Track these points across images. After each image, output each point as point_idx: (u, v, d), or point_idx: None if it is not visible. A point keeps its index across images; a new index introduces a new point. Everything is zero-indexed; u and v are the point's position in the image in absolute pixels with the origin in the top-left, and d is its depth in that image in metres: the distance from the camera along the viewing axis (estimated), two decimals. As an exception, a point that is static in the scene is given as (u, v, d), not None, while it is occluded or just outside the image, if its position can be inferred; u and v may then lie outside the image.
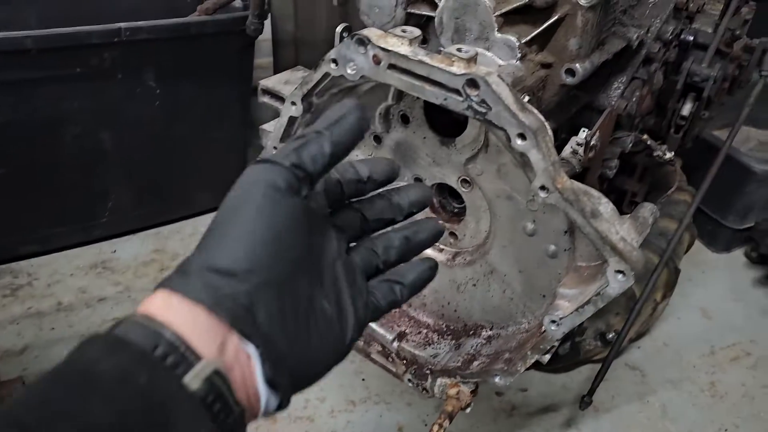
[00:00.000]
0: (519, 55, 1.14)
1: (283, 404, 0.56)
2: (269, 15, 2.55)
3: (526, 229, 1.12)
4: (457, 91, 0.93)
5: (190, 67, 1.99)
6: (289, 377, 0.55)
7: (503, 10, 1.13)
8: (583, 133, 1.32)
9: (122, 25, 1.77)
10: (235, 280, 0.52)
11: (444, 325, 1.36)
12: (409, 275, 0.69)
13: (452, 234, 1.28)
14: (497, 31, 1.14)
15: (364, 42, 0.99)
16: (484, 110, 0.92)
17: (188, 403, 0.47)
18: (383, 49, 0.97)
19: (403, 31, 0.99)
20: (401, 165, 1.29)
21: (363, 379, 1.84)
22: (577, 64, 1.16)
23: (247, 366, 0.52)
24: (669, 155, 1.43)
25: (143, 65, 1.90)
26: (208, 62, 2.01)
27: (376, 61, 0.99)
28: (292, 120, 1.18)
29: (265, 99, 1.24)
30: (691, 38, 1.45)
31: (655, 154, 1.44)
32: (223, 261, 0.53)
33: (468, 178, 1.17)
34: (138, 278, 2.13)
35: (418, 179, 1.26)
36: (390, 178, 0.71)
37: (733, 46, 1.55)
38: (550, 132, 1.00)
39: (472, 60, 0.92)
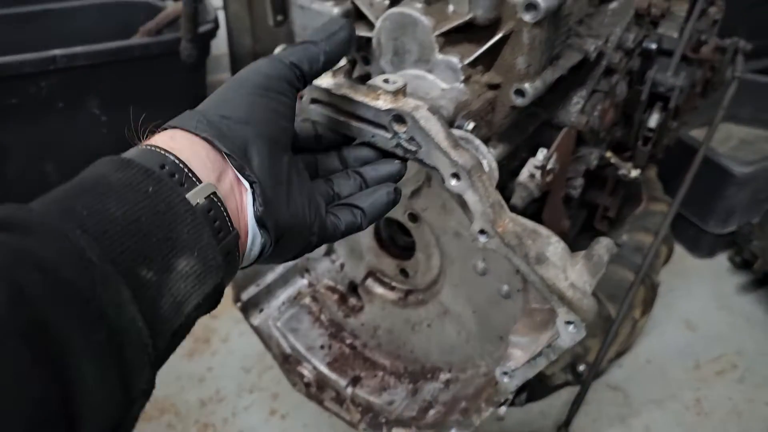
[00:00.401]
0: (463, 77, 1.05)
1: (265, 250, 0.60)
2: (227, 29, 2.47)
3: (477, 267, 1.02)
4: (384, 128, 0.83)
5: (137, 91, 1.89)
6: (273, 221, 0.59)
7: (443, 29, 1.04)
8: (540, 154, 1.23)
9: (57, 52, 1.67)
10: (234, 123, 0.58)
11: (402, 367, 1.27)
12: (367, 199, 0.72)
13: (403, 271, 1.19)
14: (438, 52, 1.05)
15: None
16: (414, 148, 0.82)
17: (191, 214, 0.50)
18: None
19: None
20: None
21: None
22: (527, 84, 1.06)
23: (240, 199, 0.57)
24: (635, 174, 1.34)
25: (85, 92, 1.80)
26: (156, 85, 1.91)
27: (298, 95, 0.89)
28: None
29: None
30: (654, 46, 1.36)
31: (620, 172, 1.35)
32: (223, 110, 0.58)
33: (414, 213, 1.08)
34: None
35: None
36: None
37: (701, 50, 1.46)
38: (494, 166, 0.91)
39: (400, 92, 0.82)
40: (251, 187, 0.58)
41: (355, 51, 1.23)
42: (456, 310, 1.12)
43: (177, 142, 0.55)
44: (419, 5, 1.05)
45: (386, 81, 0.84)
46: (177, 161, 0.53)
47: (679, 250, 2.44)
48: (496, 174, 0.90)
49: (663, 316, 2.14)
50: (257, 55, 2.60)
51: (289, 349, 1.32)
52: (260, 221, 0.58)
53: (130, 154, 0.54)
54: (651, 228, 1.79)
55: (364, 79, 1.28)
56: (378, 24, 1.09)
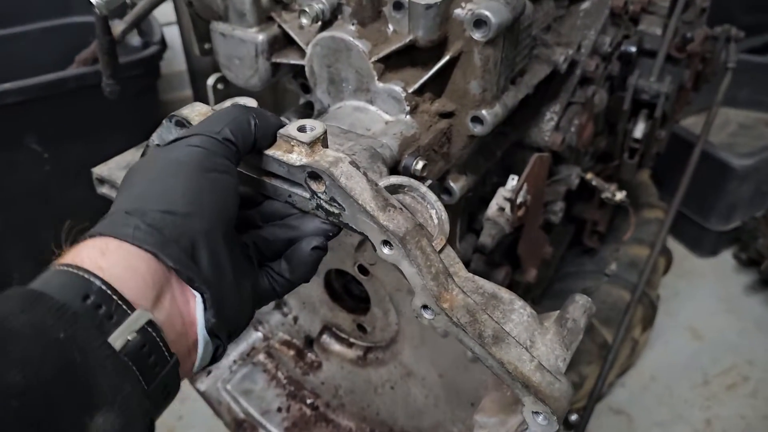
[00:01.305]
0: (408, 107, 0.90)
1: (218, 355, 0.56)
2: (183, 44, 2.31)
3: (438, 328, 0.88)
4: (301, 186, 0.69)
5: (80, 122, 1.74)
6: (226, 329, 0.55)
7: (381, 54, 0.89)
8: (511, 182, 1.09)
9: (-18, 89, 1.53)
10: (179, 218, 0.51)
11: (368, 430, 1.13)
12: (291, 264, 0.66)
13: (360, 326, 1.04)
14: (378, 80, 0.90)
15: (183, 125, 0.74)
16: (336, 210, 0.68)
17: (112, 361, 0.44)
18: (206, 136, 0.73)
19: (234, 105, 0.75)
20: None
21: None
22: (484, 111, 0.91)
23: (187, 310, 0.52)
24: (620, 196, 1.19)
25: (22, 129, 1.66)
26: (100, 114, 1.76)
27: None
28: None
29: (104, 190, 0.99)
30: (634, 49, 1.21)
31: (603, 196, 1.20)
32: (164, 203, 0.51)
33: (364, 265, 0.93)
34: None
35: (310, 265, 1.01)
36: None
37: (687, 47, 1.30)
38: (444, 218, 0.77)
39: (317, 142, 0.68)
40: (201, 296, 0.52)
41: (292, 78, 1.09)
42: (420, 372, 0.97)
43: (109, 259, 0.48)
44: (352, 28, 0.90)
45: (301, 129, 0.69)
46: (104, 288, 0.46)
47: (680, 250, 2.29)
48: (446, 227, 0.75)
49: (667, 325, 2.00)
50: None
51: (242, 414, 1.18)
52: (212, 331, 0.53)
53: (44, 280, 0.46)
54: (645, 239, 1.64)
55: (308, 107, 1.14)
56: (309, 50, 0.94)
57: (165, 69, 2.15)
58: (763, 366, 1.89)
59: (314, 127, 0.70)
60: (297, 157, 0.68)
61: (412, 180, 0.78)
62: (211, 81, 1.16)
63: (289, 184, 0.71)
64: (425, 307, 0.69)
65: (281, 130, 0.69)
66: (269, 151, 0.69)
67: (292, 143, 0.69)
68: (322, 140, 0.69)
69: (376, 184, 0.67)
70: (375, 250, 0.68)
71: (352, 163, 0.67)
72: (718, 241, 2.27)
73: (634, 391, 1.83)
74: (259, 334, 1.23)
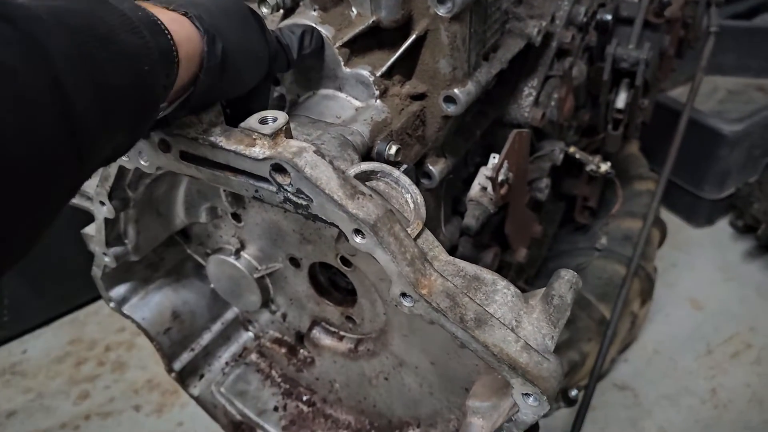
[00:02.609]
0: (377, 91, 0.87)
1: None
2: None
3: (418, 315, 0.86)
4: (266, 180, 0.67)
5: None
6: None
7: (345, 39, 0.86)
8: (493, 160, 1.06)
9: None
10: None
11: (367, 422, 1.11)
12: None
13: (349, 318, 1.02)
14: (344, 65, 0.88)
15: None
16: (304, 202, 0.66)
17: None
18: (168, 134, 0.71)
19: None
20: (270, 244, 1.03)
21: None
22: (456, 90, 0.89)
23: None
24: (604, 167, 1.17)
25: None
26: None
27: (164, 148, 0.73)
28: (109, 221, 0.92)
29: (74, 200, 0.97)
30: (610, 17, 1.18)
31: (588, 168, 1.18)
32: None
33: (346, 257, 0.91)
34: (50, 380, 1.87)
35: (293, 259, 0.99)
36: None
37: (665, 12, 1.28)
38: (420, 201, 0.74)
39: (280, 133, 0.66)
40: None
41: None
42: (412, 361, 0.95)
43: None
44: (314, 14, 0.87)
45: (263, 121, 0.67)
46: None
47: (675, 221, 2.27)
48: (422, 211, 0.73)
49: (667, 297, 1.98)
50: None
51: (238, 416, 1.16)
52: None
53: None
54: (637, 212, 1.61)
55: (282, 100, 1.11)
56: (273, 40, 0.91)
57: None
58: (765, 332, 1.88)
59: (276, 117, 0.68)
60: (260, 150, 0.66)
61: (384, 165, 0.76)
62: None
63: (255, 179, 0.69)
64: (404, 294, 0.67)
65: (242, 124, 0.67)
66: (230, 146, 0.67)
67: (254, 136, 0.67)
68: (285, 131, 0.67)
69: (343, 172, 0.65)
70: (347, 240, 0.66)
71: (317, 151, 0.65)
72: (713, 209, 2.24)
73: (637, 366, 1.81)
74: (250, 334, 1.21)
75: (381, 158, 0.85)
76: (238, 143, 0.67)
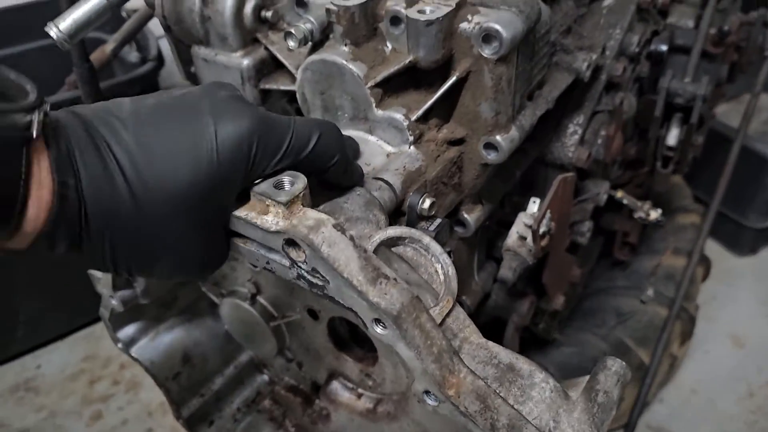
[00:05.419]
0: (412, 137, 0.79)
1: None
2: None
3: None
4: (279, 253, 0.59)
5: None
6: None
7: (379, 78, 0.78)
8: (533, 206, 0.97)
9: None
10: None
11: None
12: None
13: (369, 376, 0.94)
14: (376, 107, 0.79)
15: None
16: (320, 282, 0.58)
17: None
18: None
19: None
20: (287, 293, 0.96)
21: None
22: (498, 137, 0.80)
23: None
24: (654, 215, 1.07)
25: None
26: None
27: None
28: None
29: (102, 288, 0.92)
30: (665, 47, 1.08)
31: (636, 216, 1.08)
32: None
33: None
34: (64, 399, 1.82)
35: (311, 311, 0.92)
36: None
37: (724, 42, 1.17)
38: (451, 273, 0.66)
39: (296, 202, 0.58)
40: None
41: (287, 103, 0.98)
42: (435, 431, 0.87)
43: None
44: (345, 49, 0.79)
45: (278, 185, 0.59)
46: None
47: (717, 249, 2.15)
48: (454, 285, 0.65)
49: (706, 332, 1.87)
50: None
51: (250, 467, 1.09)
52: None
53: None
54: (682, 249, 1.51)
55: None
56: (299, 75, 0.84)
57: (165, 82, 2.07)
58: (813, 374, 1.76)
59: (294, 181, 0.60)
60: (273, 219, 0.58)
61: (413, 230, 0.68)
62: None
63: (266, 249, 0.61)
64: (428, 392, 0.59)
65: (255, 188, 0.59)
66: (241, 213, 0.59)
67: (267, 203, 0.59)
68: (303, 197, 0.59)
69: (365, 251, 0.56)
70: (366, 329, 0.58)
71: (337, 225, 0.57)
72: (758, 238, 2.12)
73: (673, 407, 1.71)
74: (265, 377, 1.14)
75: (413, 212, 0.77)
76: (249, 209, 0.59)
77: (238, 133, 0.56)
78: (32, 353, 1.95)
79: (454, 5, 0.75)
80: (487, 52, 0.74)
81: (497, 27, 0.72)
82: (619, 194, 1.07)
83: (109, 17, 0.82)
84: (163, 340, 1.03)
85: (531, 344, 1.37)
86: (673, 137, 1.13)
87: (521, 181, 1.11)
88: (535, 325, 1.24)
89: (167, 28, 0.92)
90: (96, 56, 1.61)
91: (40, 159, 0.49)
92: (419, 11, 0.74)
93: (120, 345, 1.00)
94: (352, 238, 0.56)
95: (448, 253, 0.80)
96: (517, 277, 0.96)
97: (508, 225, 1.00)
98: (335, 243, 0.55)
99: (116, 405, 1.80)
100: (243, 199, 0.60)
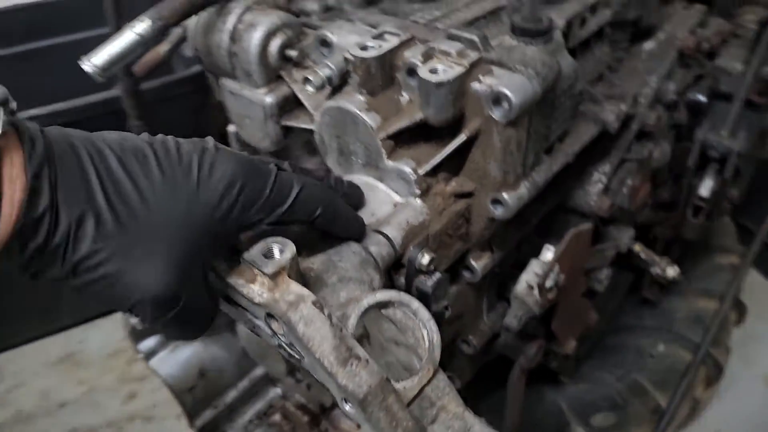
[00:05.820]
0: (419, 190, 0.80)
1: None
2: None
3: None
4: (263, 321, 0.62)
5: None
6: None
7: (391, 131, 0.79)
8: (547, 253, 0.97)
9: (32, 112, 1.54)
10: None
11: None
12: None
13: (370, 408, 0.97)
14: (387, 158, 0.81)
15: None
16: (296, 356, 0.61)
17: None
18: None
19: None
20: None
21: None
22: (505, 194, 0.81)
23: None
24: (672, 273, 1.04)
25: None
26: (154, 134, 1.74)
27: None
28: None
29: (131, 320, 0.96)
30: (704, 99, 1.04)
31: (653, 272, 1.06)
32: None
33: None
34: (103, 375, 1.93)
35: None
36: None
37: (771, 92, 1.12)
38: (436, 341, 0.68)
39: (281, 274, 0.60)
40: None
41: (312, 138, 1.01)
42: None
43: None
44: (361, 98, 0.81)
45: (267, 254, 0.61)
46: None
47: (755, 278, 2.06)
48: (437, 353, 0.66)
49: (738, 371, 1.80)
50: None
51: (256, 476, 1.14)
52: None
53: None
54: (715, 291, 1.46)
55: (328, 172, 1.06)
56: (317, 119, 0.86)
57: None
58: None
59: (283, 249, 0.62)
60: (258, 289, 0.60)
61: (403, 295, 0.69)
62: (232, 128, 1.10)
63: (252, 315, 0.64)
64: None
65: (245, 255, 0.62)
66: (231, 279, 0.62)
67: (255, 271, 0.61)
68: (290, 268, 0.61)
69: (341, 330, 0.58)
70: (337, 405, 0.61)
71: (316, 302, 0.59)
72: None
73: (696, 448, 1.67)
74: (278, 390, 1.19)
75: (412, 266, 0.78)
76: (239, 275, 0.62)
77: (222, 172, 0.57)
78: (81, 326, 2.06)
79: (468, 65, 0.75)
80: (496, 114, 0.74)
81: (507, 92, 0.72)
82: (637, 248, 1.05)
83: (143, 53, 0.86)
84: (182, 354, 1.08)
85: (545, 377, 1.36)
86: (706, 188, 1.09)
87: (540, 223, 1.11)
88: (548, 363, 1.24)
89: (198, 60, 0.96)
90: (150, 57, 1.66)
91: (13, 157, 0.49)
92: (431, 71, 0.74)
93: (140, 356, 1.06)
94: (330, 317, 0.58)
95: (446, 307, 0.82)
96: (523, 325, 0.96)
97: (523, 267, 1.00)
98: (312, 321, 0.57)
99: (150, 386, 1.89)
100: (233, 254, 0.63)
